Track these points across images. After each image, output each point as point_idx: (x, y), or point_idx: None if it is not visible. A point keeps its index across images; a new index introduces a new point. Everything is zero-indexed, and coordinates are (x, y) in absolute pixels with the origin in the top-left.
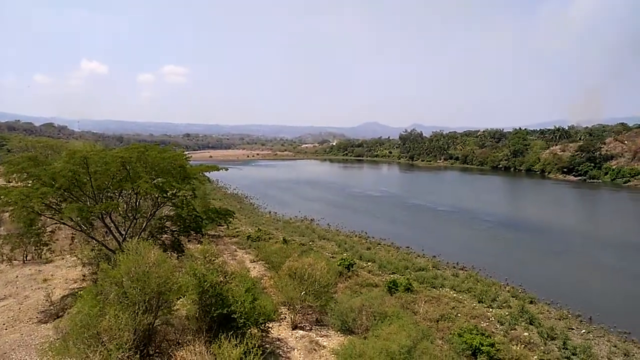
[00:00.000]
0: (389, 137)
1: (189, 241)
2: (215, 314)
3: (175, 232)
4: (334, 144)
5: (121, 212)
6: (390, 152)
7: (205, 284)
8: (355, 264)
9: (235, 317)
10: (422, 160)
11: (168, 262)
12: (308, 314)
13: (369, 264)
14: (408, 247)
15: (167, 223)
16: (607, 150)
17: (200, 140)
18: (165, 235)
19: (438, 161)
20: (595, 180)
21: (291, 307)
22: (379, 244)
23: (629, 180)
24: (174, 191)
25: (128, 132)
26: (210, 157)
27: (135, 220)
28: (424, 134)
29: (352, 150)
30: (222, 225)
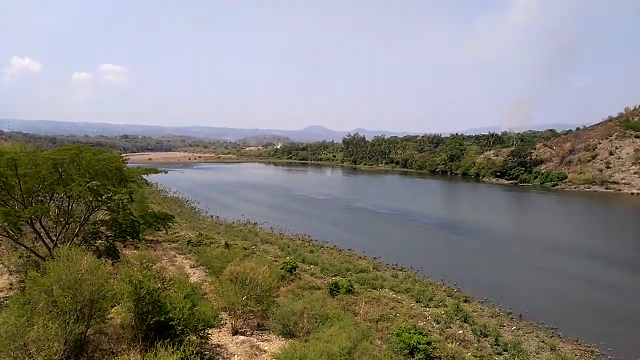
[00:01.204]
0: (332, 141)
1: (125, 247)
2: (152, 322)
3: (111, 238)
4: (279, 147)
5: (52, 217)
6: (334, 156)
7: (142, 290)
8: (298, 267)
9: (173, 324)
10: (365, 164)
11: (102, 269)
12: (249, 319)
13: (312, 266)
14: (350, 250)
15: (101, 228)
16: (537, 155)
17: (139, 141)
18: (100, 241)
19: (380, 165)
20: (526, 184)
21: (232, 313)
22: (322, 247)
23: (557, 184)
24: (110, 194)
25: (62, 133)
26: (150, 159)
27: (67, 225)
28: (366, 139)
29: (296, 154)
30: (161, 230)
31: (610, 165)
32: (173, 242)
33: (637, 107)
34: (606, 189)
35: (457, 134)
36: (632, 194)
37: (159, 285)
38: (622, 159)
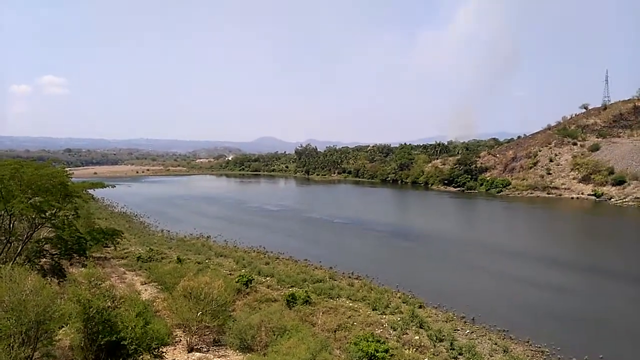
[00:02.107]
0: (285, 152)
1: (71, 265)
2: (102, 342)
3: (56, 256)
4: (230, 158)
5: None
6: (287, 167)
7: (91, 310)
8: (254, 279)
9: (126, 343)
10: (318, 174)
11: (48, 289)
12: (205, 335)
13: (268, 279)
14: (306, 260)
15: (46, 246)
16: (481, 163)
17: (84, 155)
18: (45, 260)
19: (332, 175)
20: (472, 191)
21: (187, 329)
22: (278, 258)
23: (501, 190)
24: (54, 211)
25: (1, 147)
26: (95, 173)
27: (9, 244)
28: (318, 149)
29: (248, 165)
30: (109, 246)
31: (550, 172)
32: (122, 258)
33: (574, 115)
34: (548, 194)
35: (405, 143)
36: (572, 198)
37: (109, 304)
38: (561, 165)
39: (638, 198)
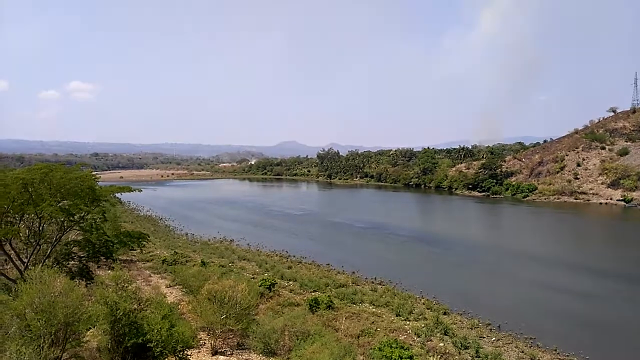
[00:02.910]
0: (307, 156)
1: (98, 267)
2: (129, 344)
3: (84, 258)
4: (253, 162)
5: (23, 238)
6: (309, 171)
7: (118, 312)
8: (277, 283)
9: (151, 346)
10: (340, 179)
11: (76, 291)
12: (229, 338)
13: (291, 283)
14: (328, 264)
15: (74, 249)
16: (507, 168)
17: (110, 159)
18: (73, 262)
19: (354, 179)
20: (497, 196)
21: (211, 332)
22: (300, 263)
23: (527, 195)
24: (82, 214)
25: (31, 151)
26: (121, 177)
27: (38, 247)
28: (340, 153)
29: (271, 169)
30: (135, 249)
31: (578, 176)
32: (148, 261)
33: (602, 119)
34: (575, 199)
35: (429, 147)
36: (601, 203)
37: (136, 306)
38: (589, 169)
39: None
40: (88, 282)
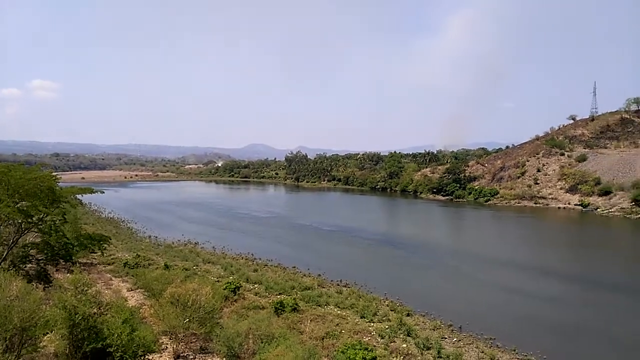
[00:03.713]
0: (275, 159)
1: (57, 270)
2: (88, 349)
3: (42, 261)
4: (220, 165)
5: None
6: (277, 174)
7: (77, 316)
8: (242, 286)
9: (111, 350)
10: (307, 182)
11: (33, 295)
12: (192, 342)
13: (256, 286)
14: (294, 267)
15: (32, 251)
16: (470, 172)
17: (72, 160)
18: (30, 265)
19: (322, 182)
20: (460, 200)
21: (173, 336)
22: (266, 266)
23: (489, 199)
24: (41, 216)
25: None
26: (83, 178)
27: None
28: (308, 156)
29: (238, 172)
30: (96, 252)
31: (538, 181)
32: (109, 264)
33: (562, 126)
34: (535, 203)
35: (395, 152)
36: (559, 208)
37: (95, 311)
38: (548, 175)
39: (624, 208)
40: (46, 285)
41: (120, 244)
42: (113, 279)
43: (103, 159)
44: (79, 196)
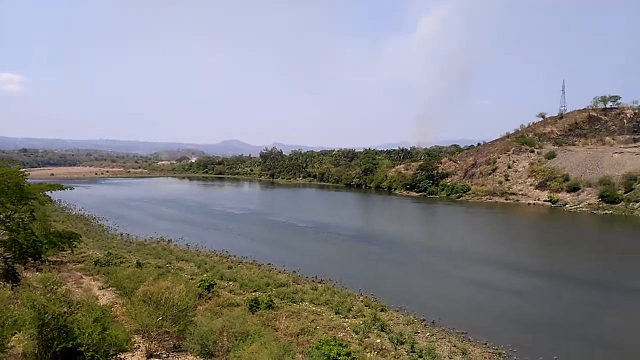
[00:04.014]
0: (250, 155)
1: (25, 269)
2: (58, 349)
3: (10, 259)
4: (194, 161)
5: None
6: (252, 170)
7: (46, 316)
8: (216, 284)
9: (82, 350)
10: (283, 178)
11: (1, 294)
12: (165, 341)
13: (231, 283)
14: (269, 264)
15: None
16: (443, 169)
17: (41, 156)
18: None
19: (297, 179)
20: (433, 196)
21: (146, 335)
22: (241, 263)
23: (462, 195)
24: (8, 213)
25: None
26: (52, 174)
27: None
28: (283, 153)
29: (212, 168)
30: (66, 250)
31: (508, 178)
32: (79, 262)
33: (532, 124)
34: (506, 199)
35: (370, 148)
36: (529, 204)
37: (65, 310)
38: (519, 171)
39: (591, 204)
40: (14, 284)
41: (91, 242)
42: (84, 277)
43: (73, 155)
44: (48, 193)
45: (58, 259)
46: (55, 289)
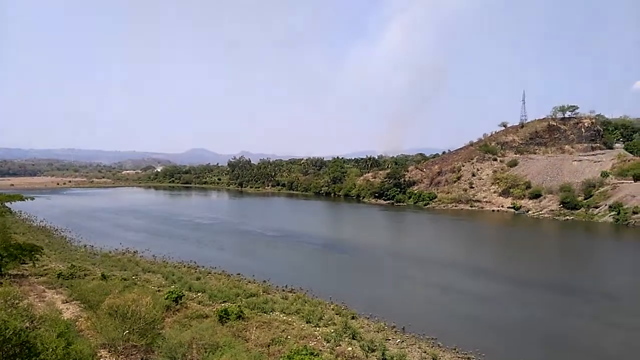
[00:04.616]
0: (217, 164)
1: None
2: None
3: None
4: (159, 170)
5: None
6: (220, 179)
7: (7, 331)
8: (185, 295)
9: None
10: (251, 187)
11: None
12: (132, 355)
13: (199, 294)
14: (239, 274)
15: None
16: (410, 177)
17: None
18: None
19: (266, 187)
20: (401, 203)
21: (112, 349)
22: (210, 273)
23: (428, 203)
24: None
25: None
26: (12, 185)
27: None
28: (252, 162)
29: (179, 177)
30: (27, 263)
31: (473, 185)
32: (41, 275)
33: (494, 133)
34: (471, 206)
35: (338, 157)
36: (493, 210)
37: (28, 325)
38: (483, 179)
39: (553, 210)
40: None
41: (53, 254)
42: (46, 290)
43: (33, 165)
44: (7, 204)
45: (19, 273)
46: (17, 304)
